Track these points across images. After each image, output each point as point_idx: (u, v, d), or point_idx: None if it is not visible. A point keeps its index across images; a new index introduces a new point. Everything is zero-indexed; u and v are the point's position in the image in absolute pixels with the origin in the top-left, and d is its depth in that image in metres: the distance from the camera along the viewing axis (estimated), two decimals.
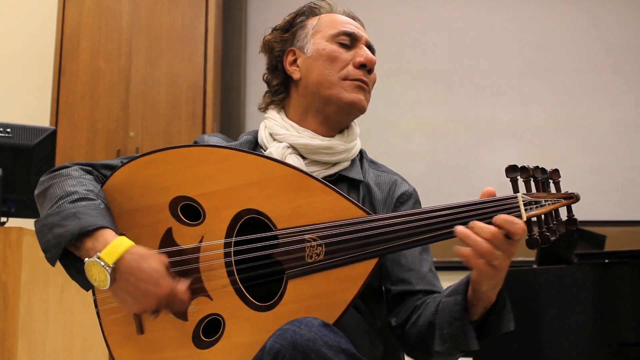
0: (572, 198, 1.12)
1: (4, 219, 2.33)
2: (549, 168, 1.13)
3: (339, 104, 1.40)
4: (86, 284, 1.24)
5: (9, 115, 3.79)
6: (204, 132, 4.05)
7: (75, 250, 1.20)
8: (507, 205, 1.09)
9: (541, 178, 1.12)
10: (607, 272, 2.60)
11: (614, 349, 2.53)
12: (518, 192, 1.10)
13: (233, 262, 1.21)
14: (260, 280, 1.22)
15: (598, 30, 4.61)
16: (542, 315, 2.76)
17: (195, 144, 1.44)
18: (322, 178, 1.36)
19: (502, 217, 1.07)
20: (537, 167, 1.11)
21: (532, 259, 3.11)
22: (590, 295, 2.64)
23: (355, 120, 1.50)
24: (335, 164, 1.41)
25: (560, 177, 1.13)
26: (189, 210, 1.27)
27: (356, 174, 1.42)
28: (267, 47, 1.50)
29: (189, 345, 1.21)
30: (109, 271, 1.14)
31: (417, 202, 1.46)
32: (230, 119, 4.51)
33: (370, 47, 1.46)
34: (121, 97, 4.12)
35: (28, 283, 2.09)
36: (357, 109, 1.42)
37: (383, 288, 1.39)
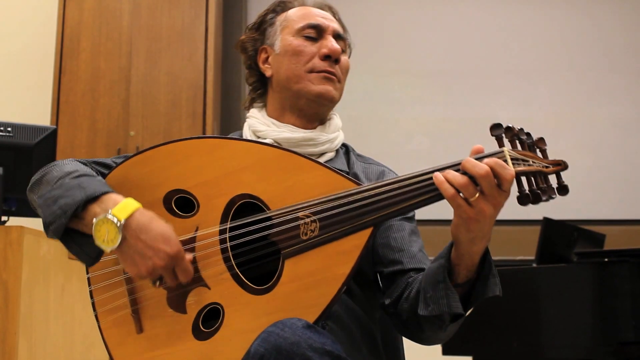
0: (561, 165, 1.10)
1: (4, 218, 2.33)
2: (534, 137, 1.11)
3: (308, 96, 1.42)
4: (88, 259, 1.22)
5: (10, 115, 3.80)
6: (204, 131, 4.06)
7: (79, 223, 1.19)
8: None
9: (527, 140, 1.11)
10: (606, 271, 2.60)
11: (614, 348, 2.54)
12: (504, 146, 1.10)
13: (229, 247, 1.21)
14: (257, 263, 1.21)
15: (597, 30, 4.62)
16: (542, 314, 2.76)
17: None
18: None
19: (493, 160, 1.07)
20: (521, 129, 1.11)
21: (532, 257, 3.12)
22: (590, 294, 2.64)
23: (336, 113, 1.52)
24: (319, 155, 1.43)
25: (546, 145, 1.11)
26: (183, 203, 1.27)
27: (341, 165, 1.44)
28: (242, 47, 1.54)
29: (189, 337, 1.20)
30: (120, 228, 1.13)
31: None
32: (230, 118, 4.52)
33: (338, 36, 1.47)
34: (121, 97, 4.12)
35: (29, 282, 2.09)
36: (327, 99, 1.43)
37: (377, 273, 1.39)
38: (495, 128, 1.11)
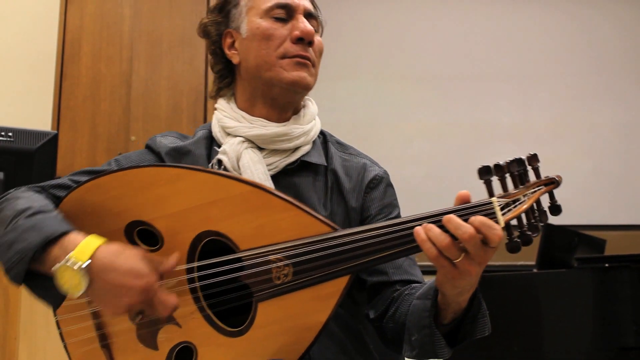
0: (553, 183, 1.03)
1: None
2: (525, 155, 1.02)
3: (281, 85, 1.30)
4: (55, 300, 1.16)
5: (11, 119, 3.80)
6: None
7: (40, 266, 1.10)
8: (482, 212, 0.99)
9: (518, 170, 1.01)
10: (607, 276, 2.60)
11: (614, 353, 2.53)
12: (493, 195, 1.01)
13: (198, 288, 1.15)
14: (229, 305, 1.15)
15: (598, 35, 4.62)
16: (543, 319, 2.76)
17: (148, 148, 1.38)
18: (284, 167, 1.31)
19: (479, 219, 0.97)
20: (512, 161, 1.01)
21: (533, 263, 3.11)
22: (591, 299, 2.64)
23: (311, 99, 1.41)
24: (295, 150, 1.32)
25: (539, 161, 1.03)
26: (146, 235, 1.20)
27: (318, 158, 1.34)
28: (204, 31, 1.41)
29: None
30: (83, 272, 1.05)
31: (389, 186, 1.39)
32: None
33: (310, 15, 1.34)
34: (122, 101, 4.13)
35: None
36: (302, 87, 1.31)
37: (361, 278, 1.31)
38: (484, 173, 1.01)
